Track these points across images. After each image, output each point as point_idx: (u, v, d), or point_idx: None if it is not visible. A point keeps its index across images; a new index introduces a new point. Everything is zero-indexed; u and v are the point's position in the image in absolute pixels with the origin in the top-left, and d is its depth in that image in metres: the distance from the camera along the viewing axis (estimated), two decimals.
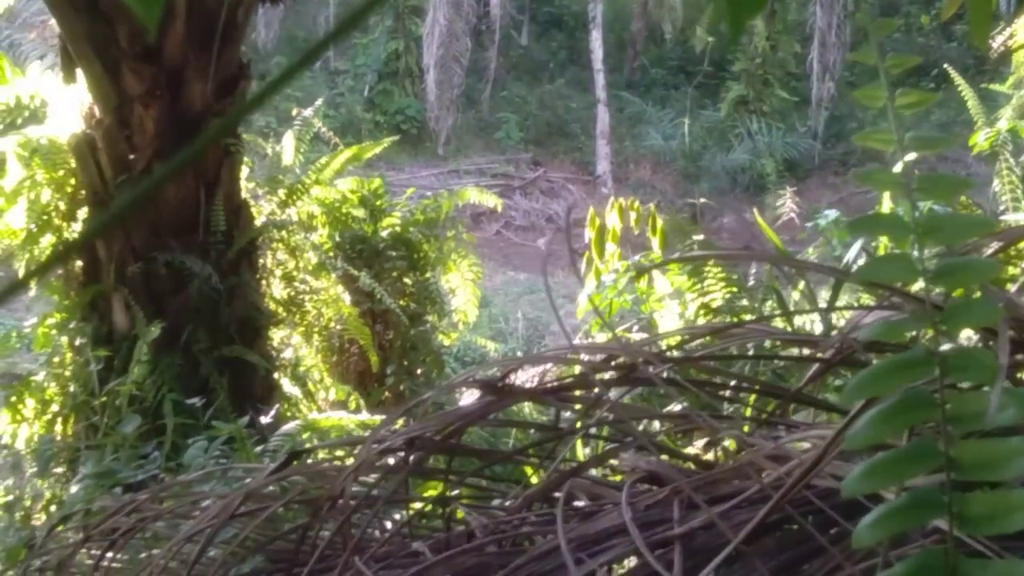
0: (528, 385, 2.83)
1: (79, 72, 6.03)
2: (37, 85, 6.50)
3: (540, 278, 22.01)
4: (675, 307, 6.16)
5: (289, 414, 6.62)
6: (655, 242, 6.97)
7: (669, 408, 2.81)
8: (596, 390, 2.03)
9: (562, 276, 22.26)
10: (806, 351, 3.17)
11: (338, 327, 8.11)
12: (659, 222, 6.97)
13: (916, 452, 1.07)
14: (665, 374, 2.21)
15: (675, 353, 2.37)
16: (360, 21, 0.67)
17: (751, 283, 6.00)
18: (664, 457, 2.17)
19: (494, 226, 24.28)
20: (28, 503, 5.19)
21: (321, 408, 6.99)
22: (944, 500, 1.07)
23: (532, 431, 4.20)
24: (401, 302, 8.90)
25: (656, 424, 3.13)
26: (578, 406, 2.38)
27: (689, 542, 1.56)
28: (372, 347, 8.19)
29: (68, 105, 6.21)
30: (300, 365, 7.51)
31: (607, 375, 2.00)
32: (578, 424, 2.54)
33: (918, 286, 1.93)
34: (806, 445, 1.75)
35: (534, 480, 2.83)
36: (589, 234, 7.18)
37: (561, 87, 29.28)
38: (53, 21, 6.58)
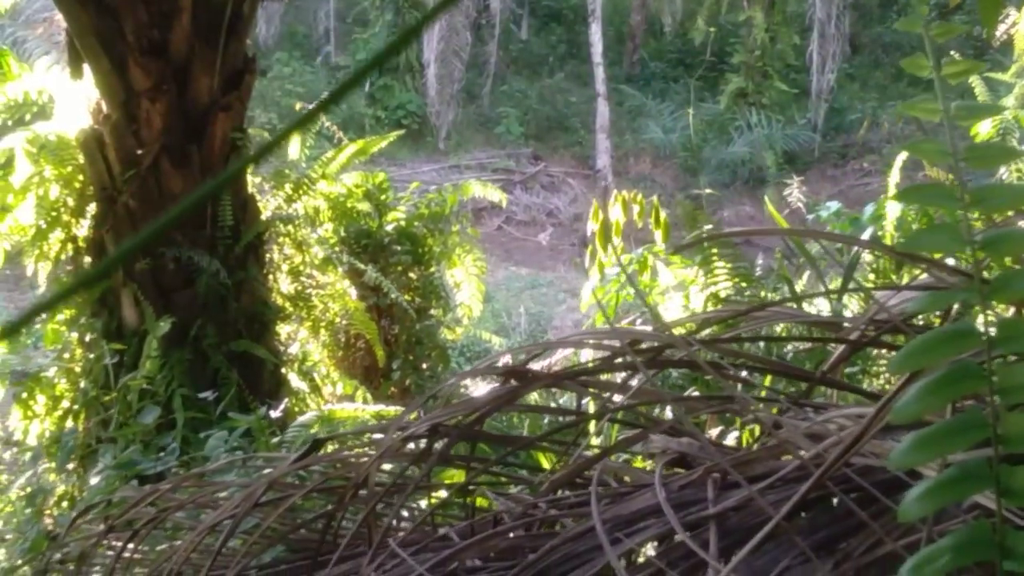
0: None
1: (86, 67, 6.03)
2: (44, 81, 6.49)
3: (541, 273, 22.04)
4: (679, 299, 6.17)
5: (297, 408, 6.62)
6: (658, 235, 6.98)
7: (688, 393, 2.81)
8: (627, 373, 2.04)
9: (563, 270, 22.32)
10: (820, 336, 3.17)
11: (344, 322, 8.12)
12: (662, 215, 6.98)
13: (963, 425, 1.07)
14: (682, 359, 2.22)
15: (689, 338, 2.37)
16: (393, 55, 0.67)
17: (758, 273, 6.01)
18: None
19: (495, 221, 24.29)
20: (40, 499, 5.20)
21: (329, 402, 6.99)
22: (991, 473, 1.08)
23: (547, 418, 4.20)
24: (406, 296, 8.91)
25: (668, 411, 3.12)
26: (591, 390, 2.38)
27: (723, 522, 1.57)
28: (378, 341, 8.20)
29: (75, 101, 6.21)
30: (307, 360, 7.52)
31: (635, 358, 2.00)
32: (593, 407, 2.54)
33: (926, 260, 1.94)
34: (831, 426, 1.76)
35: (547, 467, 2.84)
36: (593, 227, 7.19)
37: (561, 81, 29.29)
38: (59, 17, 6.57)
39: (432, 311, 9.42)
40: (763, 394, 2.60)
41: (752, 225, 23.04)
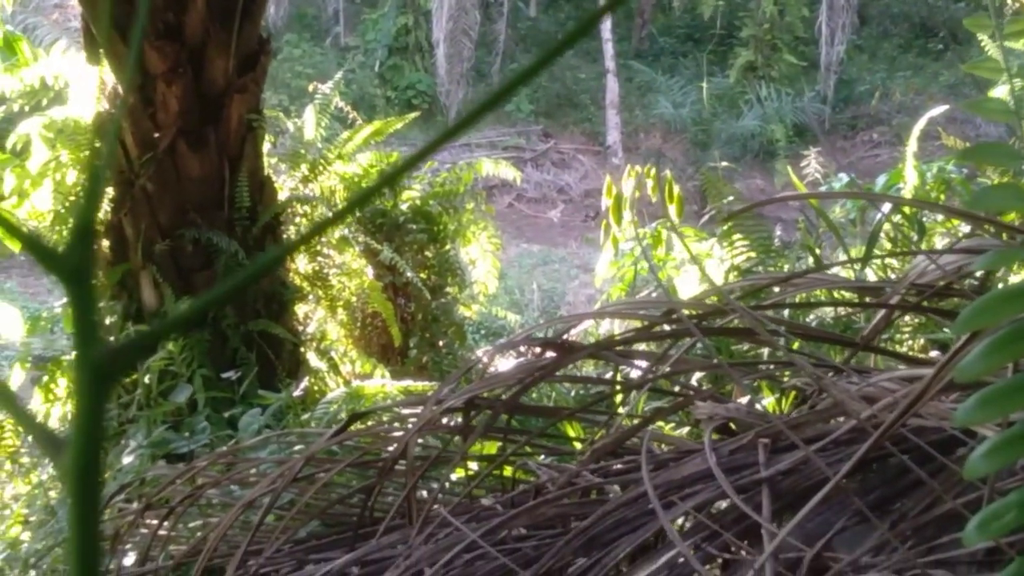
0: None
1: (101, 52, 6.04)
2: (60, 66, 6.50)
3: (553, 250, 22.05)
4: (695, 272, 6.17)
5: (316, 388, 6.65)
6: (672, 209, 6.99)
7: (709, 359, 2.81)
8: (669, 342, 2.04)
9: (575, 247, 22.33)
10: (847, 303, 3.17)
11: (360, 301, 8.13)
12: (675, 189, 6.99)
13: None
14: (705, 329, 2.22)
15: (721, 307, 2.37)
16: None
17: (776, 245, 6.01)
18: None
19: (506, 199, 24.31)
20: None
21: (349, 381, 7.01)
22: None
23: (572, 390, 4.21)
24: (422, 275, 8.92)
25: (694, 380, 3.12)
26: (626, 360, 2.38)
27: (775, 486, 1.57)
28: (394, 320, 8.21)
29: (91, 85, 6.22)
30: (325, 339, 7.54)
31: (690, 324, 2.00)
32: (619, 378, 2.55)
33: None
34: (877, 390, 1.76)
35: (575, 437, 2.85)
36: (606, 202, 7.20)
37: (570, 58, 29.19)
38: (72, 3, 6.58)
39: (448, 289, 9.42)
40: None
41: (763, 199, 22.98)
